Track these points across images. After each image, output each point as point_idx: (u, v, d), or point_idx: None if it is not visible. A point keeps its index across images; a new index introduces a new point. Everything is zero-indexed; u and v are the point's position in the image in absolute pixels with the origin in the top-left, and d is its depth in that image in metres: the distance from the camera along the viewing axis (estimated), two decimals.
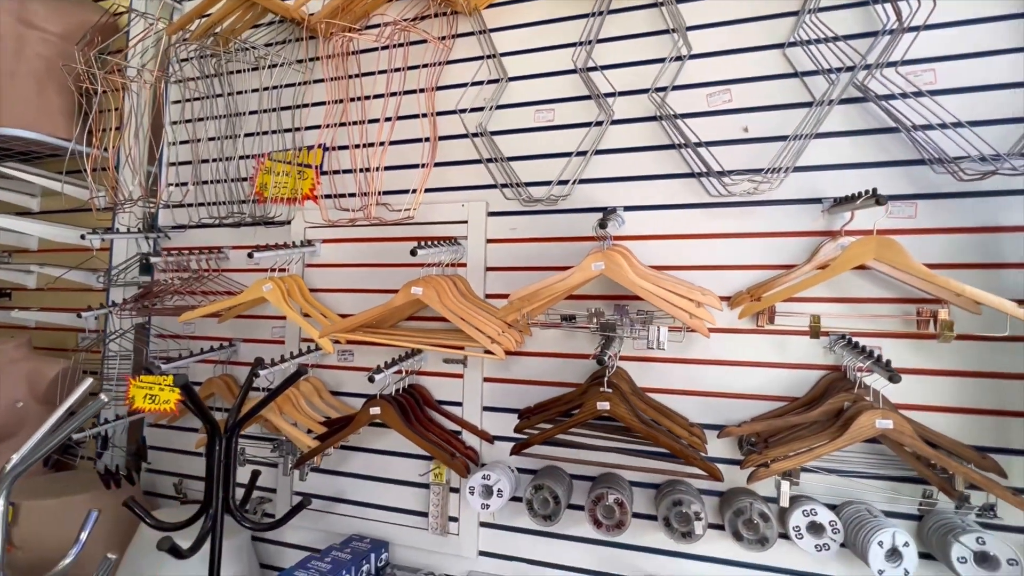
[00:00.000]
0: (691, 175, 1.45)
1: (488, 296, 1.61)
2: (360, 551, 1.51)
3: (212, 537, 1.31)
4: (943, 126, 1.25)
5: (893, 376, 1.00)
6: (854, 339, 1.25)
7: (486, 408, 1.60)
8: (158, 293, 1.84)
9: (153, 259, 1.82)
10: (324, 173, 1.82)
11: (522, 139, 1.62)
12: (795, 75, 1.38)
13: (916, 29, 1.27)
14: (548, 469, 1.48)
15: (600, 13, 1.54)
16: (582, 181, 1.55)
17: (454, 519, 1.58)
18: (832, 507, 1.27)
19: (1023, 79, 1.22)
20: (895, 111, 1.28)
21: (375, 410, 1.37)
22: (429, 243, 1.43)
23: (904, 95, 1.28)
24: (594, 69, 1.54)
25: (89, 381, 1.20)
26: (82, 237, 1.91)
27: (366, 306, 1.68)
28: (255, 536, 1.78)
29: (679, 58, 1.46)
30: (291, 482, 1.77)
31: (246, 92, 1.96)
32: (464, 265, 1.63)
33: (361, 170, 1.73)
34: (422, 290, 1.36)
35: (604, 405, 1.22)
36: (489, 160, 1.64)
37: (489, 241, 1.63)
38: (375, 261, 1.74)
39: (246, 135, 1.94)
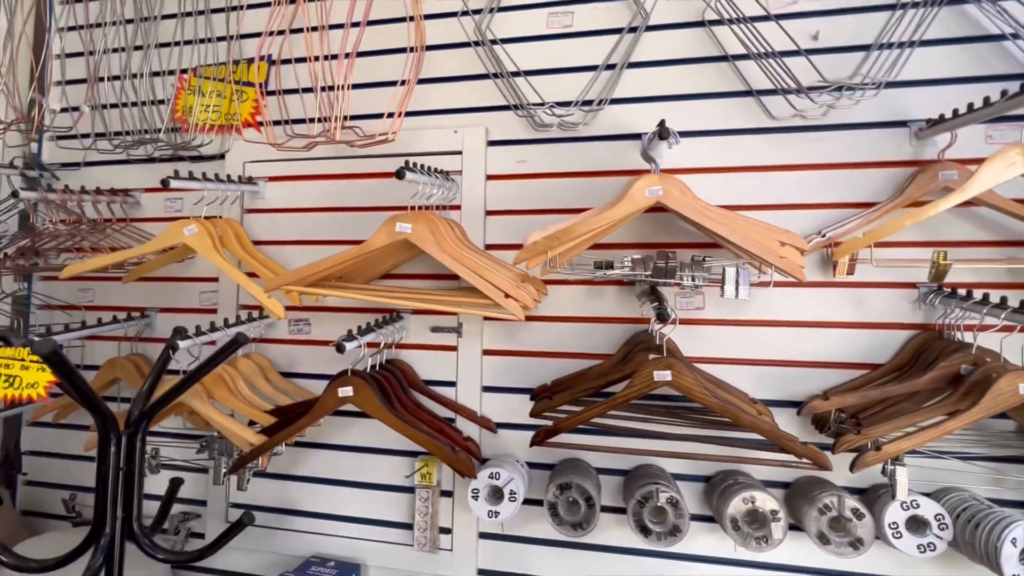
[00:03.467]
0: (747, 93, 1.17)
1: (488, 247, 1.27)
2: None
3: None
4: None
5: None
6: (957, 290, 1.01)
7: (486, 388, 1.26)
8: (40, 248, 1.37)
9: (25, 194, 1.33)
10: (270, 93, 1.41)
11: (532, 49, 1.28)
12: None
13: None
14: (568, 463, 1.17)
15: None
16: (610, 102, 1.24)
17: (446, 530, 1.24)
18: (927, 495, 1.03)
19: None
20: (1005, 15, 1.05)
21: (346, 391, 1.01)
22: (420, 167, 1.07)
23: None
24: None
25: None
26: None
27: None
28: (178, 566, 1.36)
29: None
30: (226, 492, 1.36)
31: None
32: (458, 208, 1.28)
33: (321, 89, 1.33)
34: (411, 227, 1.01)
35: (664, 375, 0.92)
36: (491, 76, 1.29)
37: (490, 177, 1.28)
38: (338, 204, 1.35)
39: (159, 45, 1.49)
